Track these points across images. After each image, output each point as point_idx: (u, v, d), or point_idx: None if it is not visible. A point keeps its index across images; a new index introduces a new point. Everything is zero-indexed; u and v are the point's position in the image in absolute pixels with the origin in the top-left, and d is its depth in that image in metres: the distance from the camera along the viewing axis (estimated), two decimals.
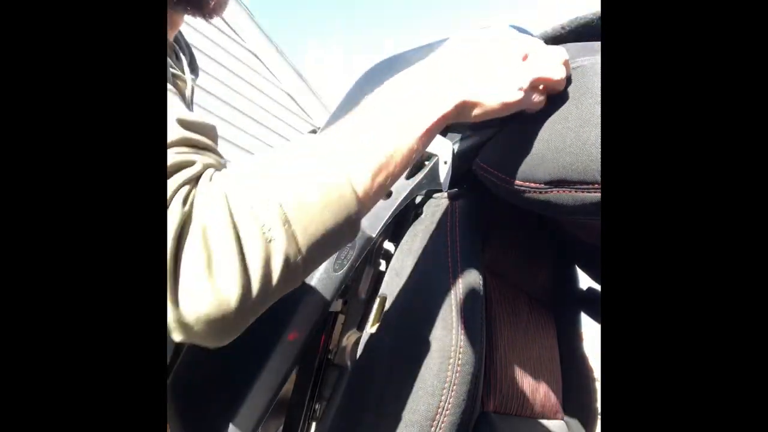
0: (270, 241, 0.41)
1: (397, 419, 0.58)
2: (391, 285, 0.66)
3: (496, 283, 0.71)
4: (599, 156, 0.49)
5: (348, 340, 0.68)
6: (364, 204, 0.47)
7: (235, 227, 0.40)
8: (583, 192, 0.52)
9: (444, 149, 0.64)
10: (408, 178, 0.66)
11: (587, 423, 0.85)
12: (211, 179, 0.43)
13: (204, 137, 0.46)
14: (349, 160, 0.46)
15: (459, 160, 0.63)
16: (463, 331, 0.59)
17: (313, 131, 0.83)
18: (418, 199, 0.69)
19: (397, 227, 0.69)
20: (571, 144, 0.52)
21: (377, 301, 0.66)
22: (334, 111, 0.71)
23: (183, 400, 0.63)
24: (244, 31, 4.24)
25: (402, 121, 0.49)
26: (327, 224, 0.44)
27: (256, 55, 4.33)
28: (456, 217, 0.63)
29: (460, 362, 0.58)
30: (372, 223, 0.65)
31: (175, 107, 0.45)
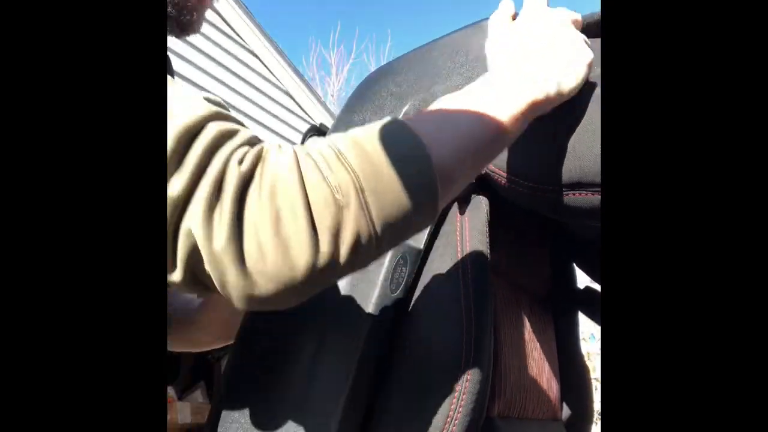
0: (342, 207, 0.39)
1: (404, 428, 0.56)
2: None
3: (499, 286, 0.71)
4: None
5: None
6: (445, 184, 0.44)
7: (304, 187, 0.38)
8: (599, 194, 0.51)
9: None
10: None
11: (585, 423, 0.84)
12: (279, 146, 0.41)
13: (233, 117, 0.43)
14: (431, 138, 0.43)
15: None
16: (473, 341, 0.57)
17: (315, 128, 0.81)
18: None
19: None
20: (591, 146, 0.51)
21: None
22: (338, 117, 0.69)
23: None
24: (244, 31, 4.24)
25: (489, 106, 0.47)
26: (402, 200, 0.41)
27: (256, 55, 4.33)
28: (466, 221, 0.62)
29: (470, 373, 0.56)
30: (417, 237, 0.61)
31: (196, 92, 0.44)
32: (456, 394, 0.56)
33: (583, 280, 0.88)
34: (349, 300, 0.59)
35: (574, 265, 0.87)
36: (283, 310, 0.50)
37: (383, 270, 0.59)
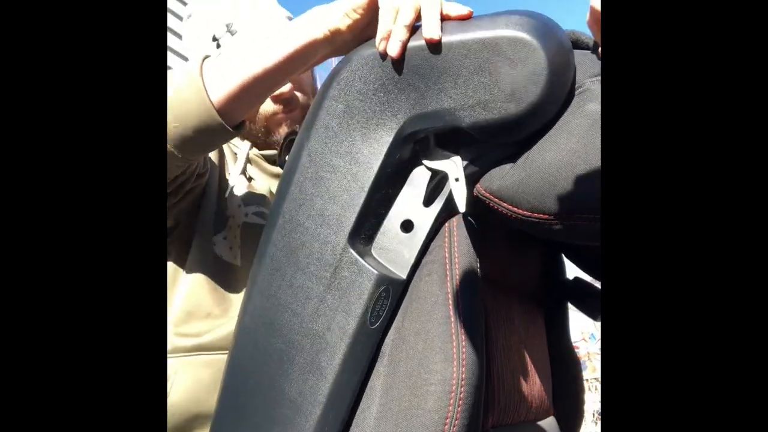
0: None
1: None
2: None
3: (490, 290, 0.69)
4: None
5: None
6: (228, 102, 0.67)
7: None
8: (597, 222, 0.51)
9: (453, 166, 0.58)
10: (427, 205, 0.60)
11: (576, 415, 0.84)
12: None
13: None
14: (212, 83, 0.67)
15: (469, 179, 0.59)
16: (464, 362, 0.56)
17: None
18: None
19: None
20: (582, 173, 0.51)
21: None
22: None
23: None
24: None
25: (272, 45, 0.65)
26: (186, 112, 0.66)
27: None
28: (454, 235, 0.60)
29: (462, 395, 0.55)
30: (400, 264, 0.60)
31: None
32: (447, 421, 0.55)
33: (577, 274, 0.87)
34: (326, 332, 0.59)
35: (563, 255, 0.85)
36: (263, 346, 0.62)
37: (363, 302, 0.58)
